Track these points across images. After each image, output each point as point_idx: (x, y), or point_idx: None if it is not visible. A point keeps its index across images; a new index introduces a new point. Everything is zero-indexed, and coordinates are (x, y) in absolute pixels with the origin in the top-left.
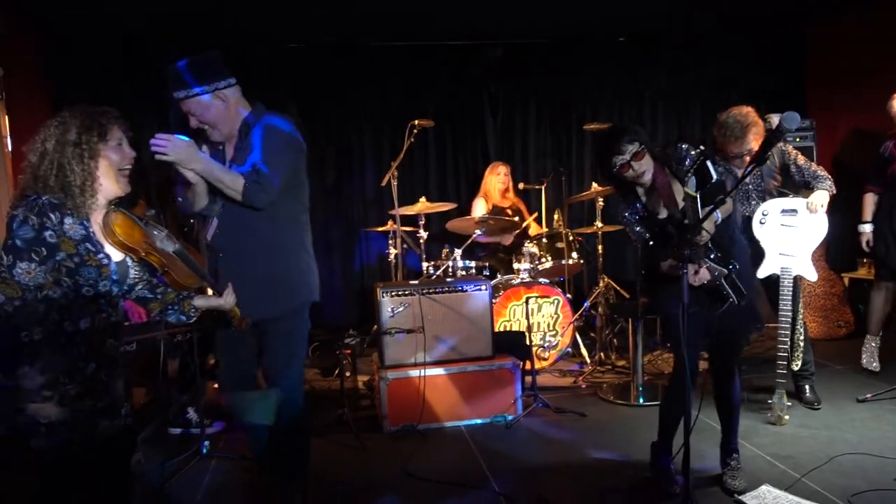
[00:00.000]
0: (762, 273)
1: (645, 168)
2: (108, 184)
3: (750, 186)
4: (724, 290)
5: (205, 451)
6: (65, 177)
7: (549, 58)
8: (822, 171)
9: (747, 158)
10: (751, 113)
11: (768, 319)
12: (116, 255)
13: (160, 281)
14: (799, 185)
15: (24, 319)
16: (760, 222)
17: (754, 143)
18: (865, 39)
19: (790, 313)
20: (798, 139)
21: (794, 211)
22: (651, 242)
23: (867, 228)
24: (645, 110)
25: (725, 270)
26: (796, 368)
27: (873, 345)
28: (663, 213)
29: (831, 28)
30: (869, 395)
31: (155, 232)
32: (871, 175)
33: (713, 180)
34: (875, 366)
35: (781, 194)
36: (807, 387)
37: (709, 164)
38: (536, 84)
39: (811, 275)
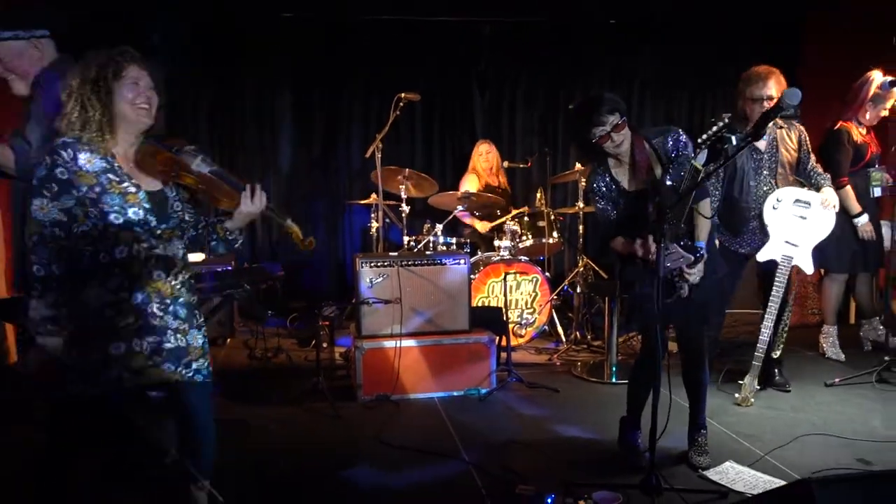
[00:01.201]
0: (762, 256)
1: (623, 139)
2: (128, 119)
3: (764, 156)
4: (678, 281)
5: None
6: (85, 113)
7: (538, 38)
8: (820, 169)
9: (766, 105)
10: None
11: (749, 305)
12: (151, 185)
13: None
14: (797, 172)
15: (41, 254)
16: (773, 207)
17: (776, 89)
18: (865, 27)
19: (779, 301)
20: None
21: (808, 203)
22: (612, 218)
23: (864, 220)
24: (633, 95)
25: (691, 257)
26: (776, 356)
27: (832, 335)
28: (631, 187)
29: (828, 14)
30: (836, 380)
31: (189, 157)
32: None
33: (728, 155)
34: (838, 355)
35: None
36: (775, 370)
37: (734, 139)
38: (525, 63)
39: (809, 267)
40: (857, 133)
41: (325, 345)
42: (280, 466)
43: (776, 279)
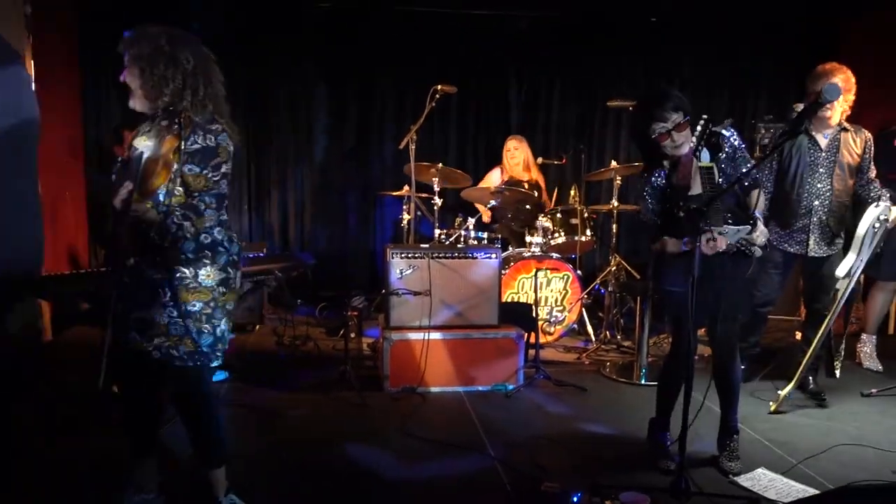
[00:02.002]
0: (842, 271)
1: (683, 140)
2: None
3: (822, 154)
4: (747, 248)
5: None
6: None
7: (576, 33)
8: (878, 182)
9: (836, 104)
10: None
11: (783, 311)
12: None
13: None
14: (857, 177)
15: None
16: (874, 226)
17: (842, 84)
18: None
19: (837, 313)
20: None
21: (887, 220)
22: (659, 221)
23: None
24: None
25: (747, 227)
26: (838, 375)
27: (870, 344)
28: (695, 189)
29: (863, 22)
30: (874, 391)
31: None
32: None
33: (727, 148)
34: (877, 366)
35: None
36: (810, 378)
37: (723, 131)
38: (563, 59)
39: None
40: None
41: (353, 335)
42: (305, 455)
43: (847, 290)
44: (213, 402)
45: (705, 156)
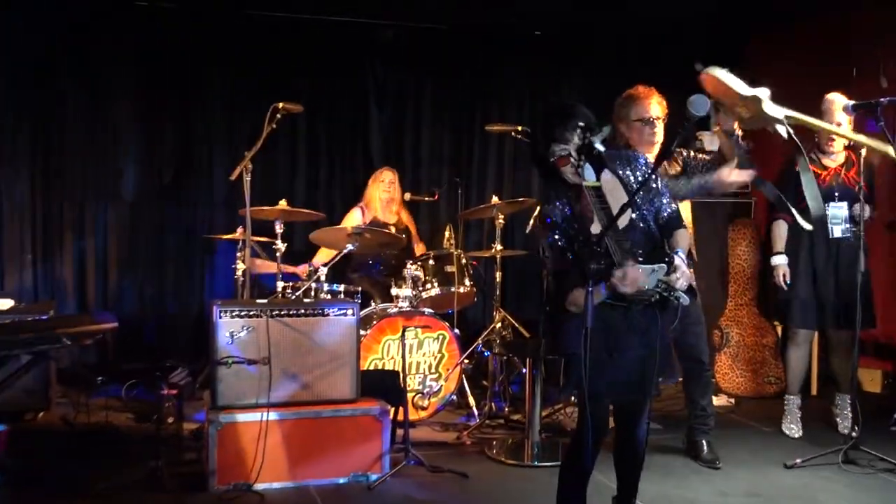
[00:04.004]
0: None
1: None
2: None
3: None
4: (669, 291)
5: None
6: None
7: (451, 47)
8: None
9: (655, 124)
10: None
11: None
12: None
13: None
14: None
15: None
16: None
17: (660, 109)
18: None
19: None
20: None
21: None
22: (567, 254)
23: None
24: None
25: (663, 265)
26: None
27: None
28: (596, 228)
29: (770, 38)
30: (798, 461)
31: None
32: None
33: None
34: (796, 432)
35: None
36: (704, 442)
37: (596, 142)
38: (434, 76)
39: None
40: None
41: (170, 419)
42: None
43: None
44: None
45: (589, 173)
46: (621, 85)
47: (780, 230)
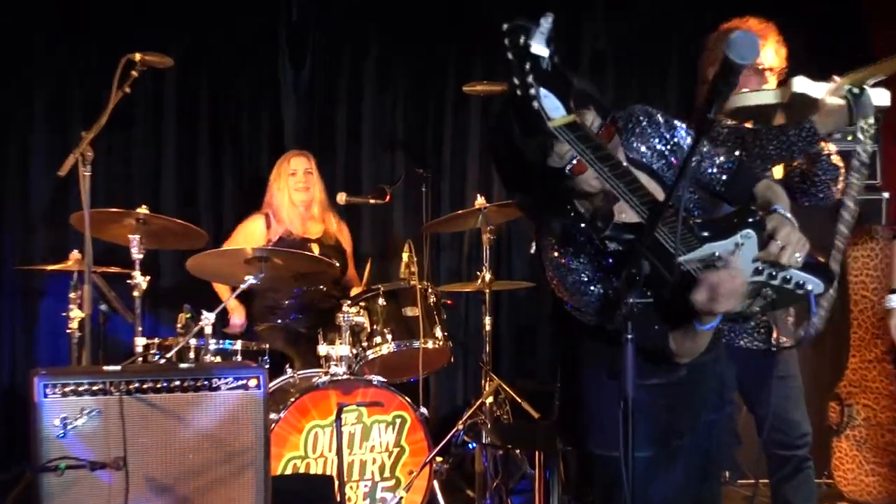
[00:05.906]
0: None
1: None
2: None
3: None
4: (781, 277)
5: None
6: None
7: None
8: None
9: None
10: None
11: None
12: None
13: None
14: None
15: None
16: None
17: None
18: None
19: None
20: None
21: None
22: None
23: None
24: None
25: (749, 231)
26: None
27: None
28: (627, 216)
29: None
30: None
31: None
32: None
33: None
34: None
35: None
36: None
37: (539, 46)
38: (383, 17)
39: None
40: None
41: None
42: None
43: None
44: None
45: (552, 103)
46: (665, 29)
47: None
